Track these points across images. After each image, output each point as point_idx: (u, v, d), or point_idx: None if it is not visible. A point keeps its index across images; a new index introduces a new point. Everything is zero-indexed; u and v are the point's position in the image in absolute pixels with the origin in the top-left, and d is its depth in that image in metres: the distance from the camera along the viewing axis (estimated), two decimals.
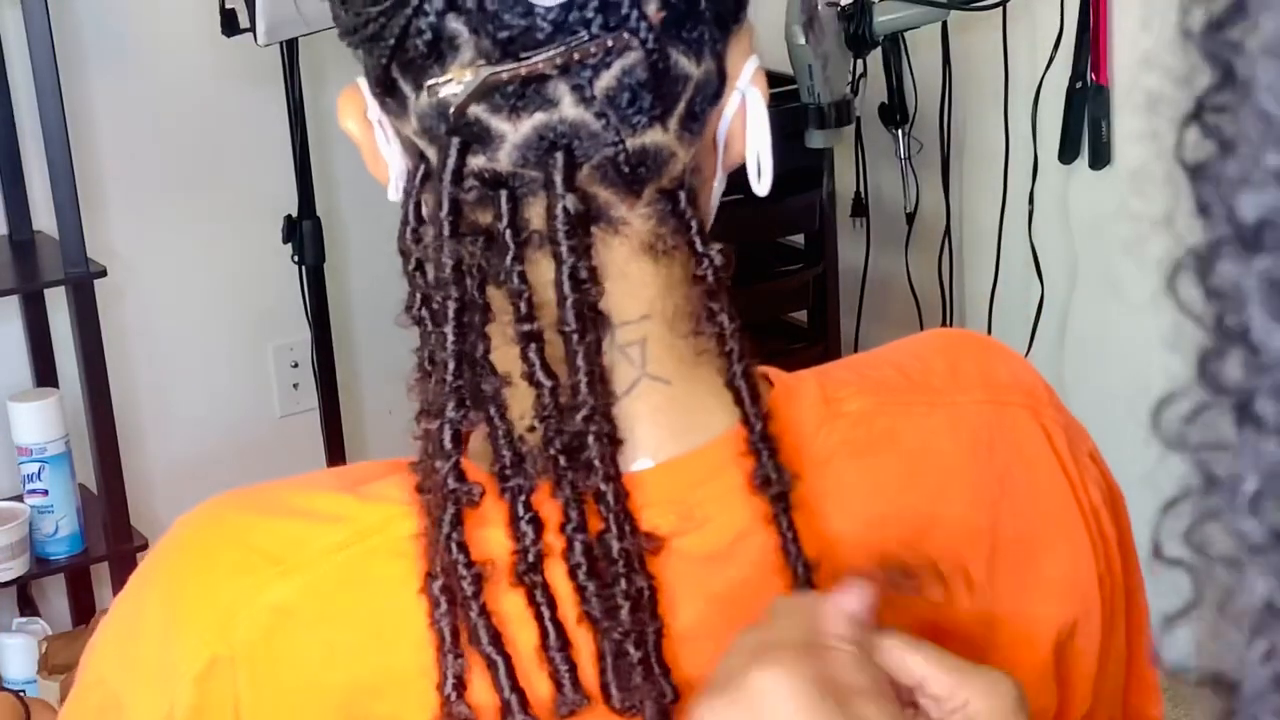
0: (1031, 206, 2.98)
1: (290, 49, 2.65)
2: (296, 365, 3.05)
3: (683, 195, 0.76)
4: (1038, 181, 2.96)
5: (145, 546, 2.63)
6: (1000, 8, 2.82)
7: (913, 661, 0.71)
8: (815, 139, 2.72)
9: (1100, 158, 2.87)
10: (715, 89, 0.76)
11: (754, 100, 0.78)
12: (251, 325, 3.02)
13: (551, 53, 0.71)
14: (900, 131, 3.09)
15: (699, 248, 0.76)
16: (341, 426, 2.85)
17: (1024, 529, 0.85)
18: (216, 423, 3.00)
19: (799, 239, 3.13)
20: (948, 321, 3.13)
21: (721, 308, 0.77)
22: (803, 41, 2.62)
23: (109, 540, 2.62)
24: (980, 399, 0.85)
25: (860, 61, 2.84)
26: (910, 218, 3.15)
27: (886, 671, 0.71)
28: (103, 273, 2.54)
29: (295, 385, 3.06)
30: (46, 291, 2.71)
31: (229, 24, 2.55)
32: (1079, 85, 2.85)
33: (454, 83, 0.72)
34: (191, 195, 2.91)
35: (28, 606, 2.78)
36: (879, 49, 2.88)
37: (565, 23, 0.71)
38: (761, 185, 0.78)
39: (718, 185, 0.80)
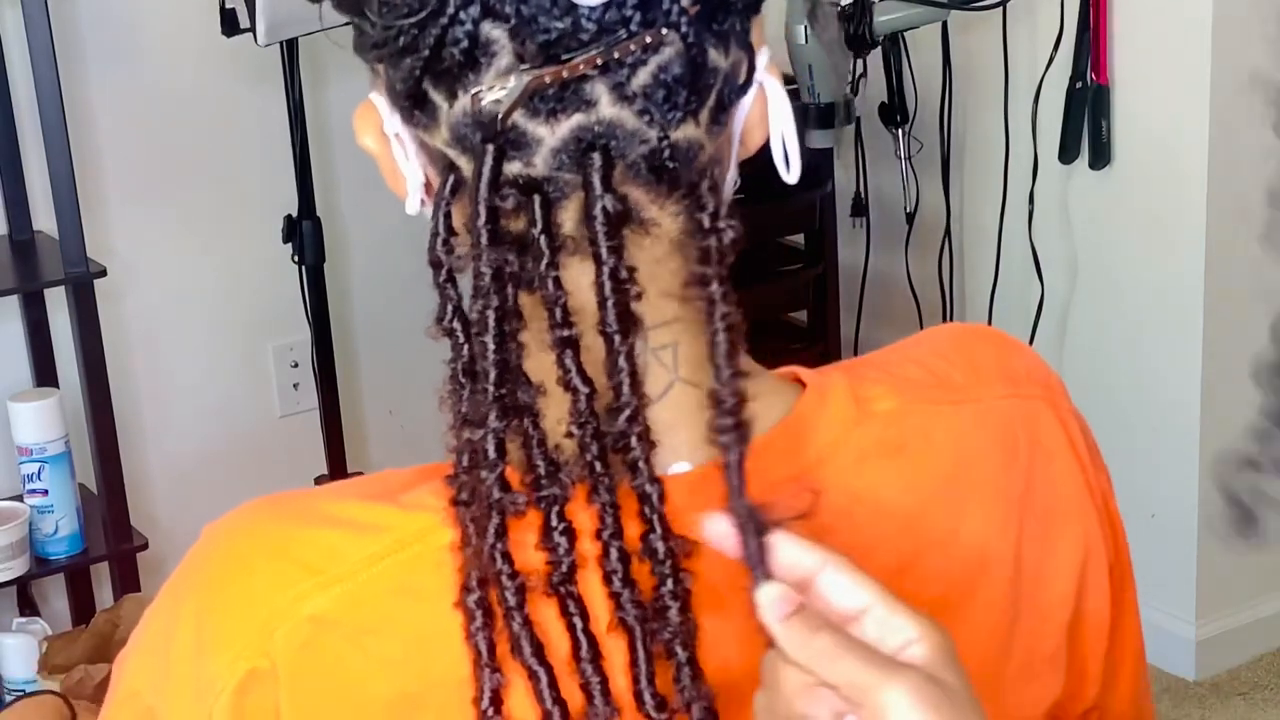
0: (1031, 206, 2.98)
1: (290, 49, 2.65)
2: (296, 365, 3.05)
3: (705, 184, 0.75)
4: (1038, 181, 2.96)
5: (145, 546, 2.63)
6: (1000, 8, 2.82)
7: (860, 590, 0.70)
8: (815, 139, 2.73)
9: (1100, 158, 2.87)
10: (743, 79, 0.77)
11: (773, 87, 0.78)
12: (251, 325, 3.01)
13: (593, 52, 0.71)
14: (900, 131, 3.09)
15: (706, 224, 0.74)
16: (341, 426, 2.85)
17: (1045, 520, 0.86)
18: (216, 423, 3.00)
19: (799, 239, 3.13)
20: (948, 321, 3.13)
21: (715, 275, 0.74)
22: (803, 41, 2.63)
23: (109, 540, 2.62)
24: (1002, 394, 0.86)
25: (860, 61, 2.84)
26: (910, 218, 3.15)
27: (825, 599, 0.70)
28: (103, 273, 2.54)
29: (295, 385, 3.06)
30: (46, 291, 2.71)
31: (229, 24, 2.55)
32: (1079, 85, 2.85)
33: (497, 89, 0.72)
34: (191, 195, 2.91)
35: (28, 606, 2.78)
36: (879, 49, 2.88)
37: (607, 21, 0.71)
38: (791, 173, 0.78)
39: (731, 177, 0.80)
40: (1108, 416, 2.98)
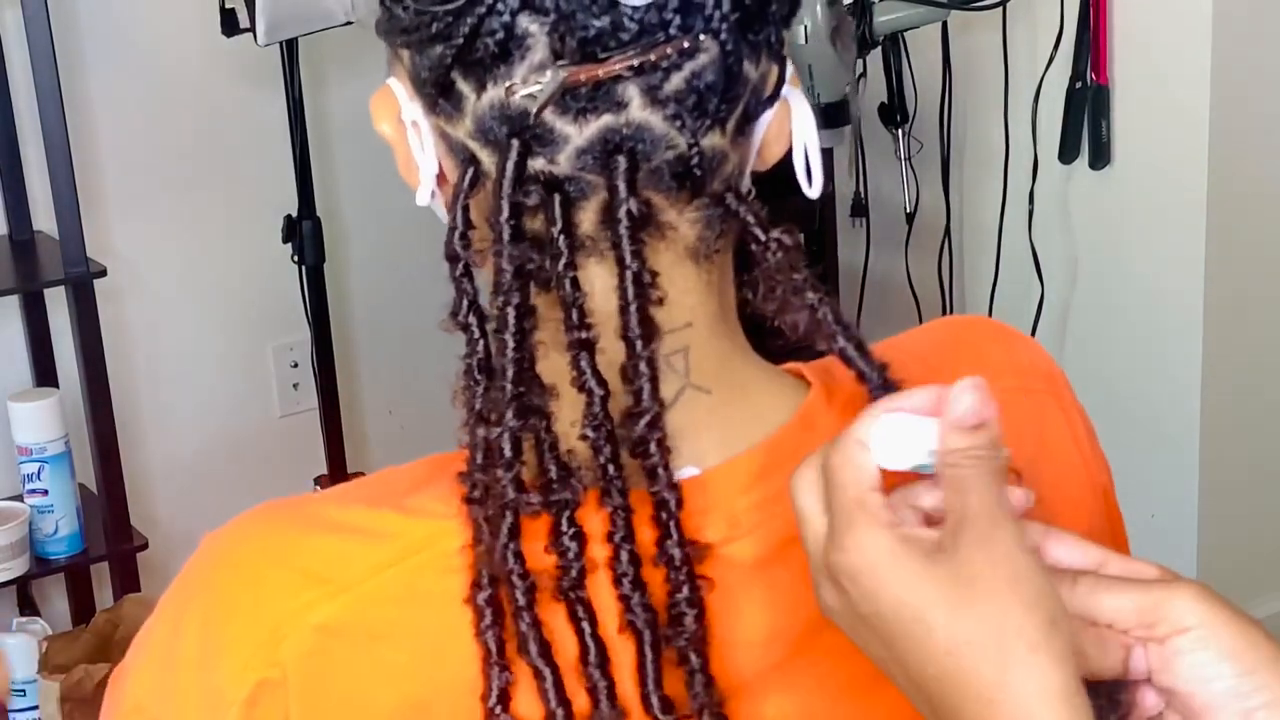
0: (1031, 206, 2.98)
1: (290, 49, 2.65)
2: (296, 365, 3.05)
3: (730, 196, 0.75)
4: (1038, 181, 2.96)
5: (145, 546, 2.63)
6: (1000, 8, 2.82)
7: (1089, 549, 0.72)
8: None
9: (1100, 158, 2.87)
10: (770, 91, 0.77)
11: (797, 100, 0.78)
12: (251, 325, 3.01)
13: (631, 53, 0.70)
14: (900, 131, 3.08)
15: (762, 237, 0.75)
16: (341, 426, 2.85)
17: (1046, 513, 0.85)
18: (216, 423, 3.00)
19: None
20: None
21: (805, 279, 0.76)
22: (803, 41, 2.62)
23: (109, 540, 2.62)
24: (1009, 386, 0.86)
25: (860, 61, 2.84)
26: (910, 218, 3.14)
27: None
28: (103, 273, 2.54)
29: (295, 385, 3.06)
30: (46, 291, 2.71)
31: (229, 24, 2.55)
32: (1079, 85, 2.85)
33: (532, 83, 0.71)
34: (191, 195, 2.91)
35: (28, 606, 2.77)
36: (879, 49, 2.88)
37: (647, 22, 0.71)
38: (813, 189, 0.78)
39: (745, 188, 0.80)
40: (1108, 416, 2.97)
